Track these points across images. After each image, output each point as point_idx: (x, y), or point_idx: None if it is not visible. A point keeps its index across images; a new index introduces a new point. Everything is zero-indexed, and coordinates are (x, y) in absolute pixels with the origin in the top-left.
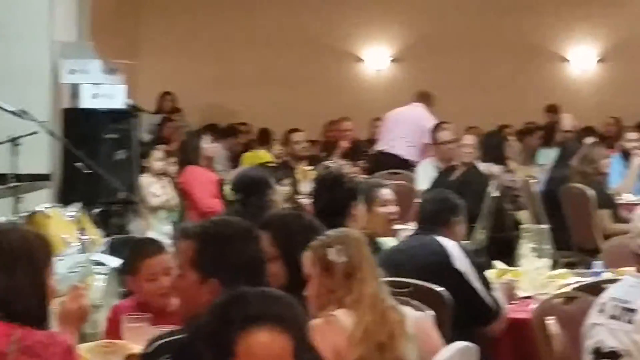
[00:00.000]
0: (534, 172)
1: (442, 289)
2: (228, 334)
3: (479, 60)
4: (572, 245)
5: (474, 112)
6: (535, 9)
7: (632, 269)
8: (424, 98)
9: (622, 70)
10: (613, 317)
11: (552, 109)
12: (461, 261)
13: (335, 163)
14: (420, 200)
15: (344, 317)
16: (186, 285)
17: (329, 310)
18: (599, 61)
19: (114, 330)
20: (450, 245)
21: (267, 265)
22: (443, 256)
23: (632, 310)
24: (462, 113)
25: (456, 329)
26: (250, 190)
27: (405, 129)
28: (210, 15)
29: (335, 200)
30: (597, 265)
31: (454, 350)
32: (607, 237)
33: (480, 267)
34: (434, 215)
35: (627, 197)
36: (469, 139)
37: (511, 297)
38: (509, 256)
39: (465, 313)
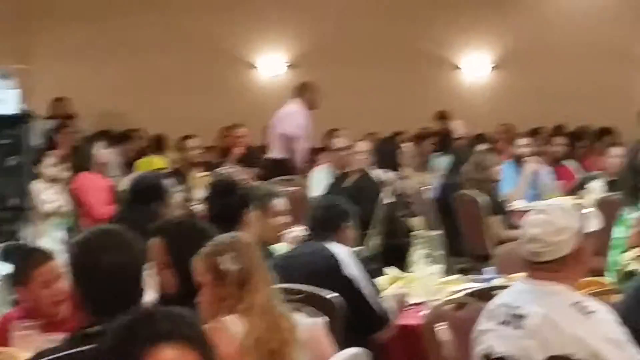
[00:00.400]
0: (428, 179)
1: (334, 295)
2: (134, 352)
3: (374, 66)
4: (465, 251)
5: (369, 118)
6: (429, 16)
7: (523, 275)
8: (298, 91)
9: (515, 77)
10: (503, 322)
11: (443, 116)
12: (351, 268)
13: (230, 169)
14: (311, 207)
15: (234, 323)
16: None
17: (221, 317)
18: (492, 68)
19: (1, 340)
20: (341, 252)
21: (141, 274)
22: (333, 263)
23: (521, 316)
24: (358, 119)
25: (348, 335)
26: (145, 196)
27: (279, 130)
28: (104, 21)
29: (228, 206)
30: (489, 271)
31: (345, 356)
32: (499, 243)
33: (371, 274)
34: (325, 221)
35: (518, 204)
36: (363, 146)
37: (403, 306)
38: (402, 262)
39: (355, 320)
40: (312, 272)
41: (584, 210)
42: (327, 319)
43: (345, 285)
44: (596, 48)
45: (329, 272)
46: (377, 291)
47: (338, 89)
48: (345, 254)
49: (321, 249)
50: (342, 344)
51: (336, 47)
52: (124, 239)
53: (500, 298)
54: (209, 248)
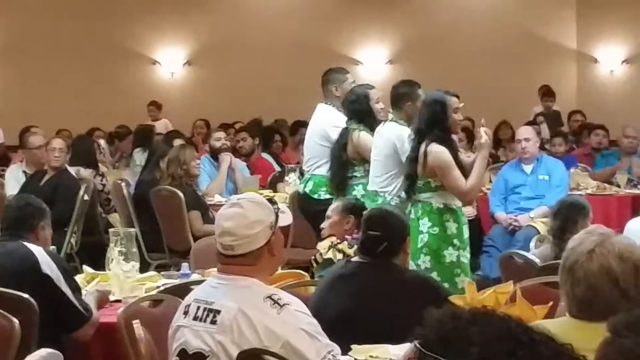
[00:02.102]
0: (126, 175)
1: (27, 295)
2: None
3: (71, 63)
4: (164, 247)
5: (65, 115)
6: (126, 12)
7: (216, 269)
8: None
9: (209, 72)
10: (197, 318)
11: (157, 106)
12: (49, 266)
13: None
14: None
15: None
16: None
17: None
18: (185, 63)
19: None
20: (38, 251)
21: None
22: (31, 262)
23: (215, 311)
24: (53, 117)
25: (43, 335)
26: None
27: None
28: None
29: None
30: (185, 267)
31: (37, 357)
32: (197, 238)
33: (70, 272)
34: (18, 221)
35: (217, 198)
36: (58, 143)
37: (103, 303)
38: (100, 260)
39: (54, 319)
40: (9, 272)
41: (278, 204)
42: (20, 319)
43: (45, 283)
44: (289, 43)
45: (28, 272)
46: (79, 288)
47: (34, 87)
48: (42, 253)
49: (17, 248)
50: (37, 345)
51: (31, 44)
52: None
53: (194, 293)
54: None
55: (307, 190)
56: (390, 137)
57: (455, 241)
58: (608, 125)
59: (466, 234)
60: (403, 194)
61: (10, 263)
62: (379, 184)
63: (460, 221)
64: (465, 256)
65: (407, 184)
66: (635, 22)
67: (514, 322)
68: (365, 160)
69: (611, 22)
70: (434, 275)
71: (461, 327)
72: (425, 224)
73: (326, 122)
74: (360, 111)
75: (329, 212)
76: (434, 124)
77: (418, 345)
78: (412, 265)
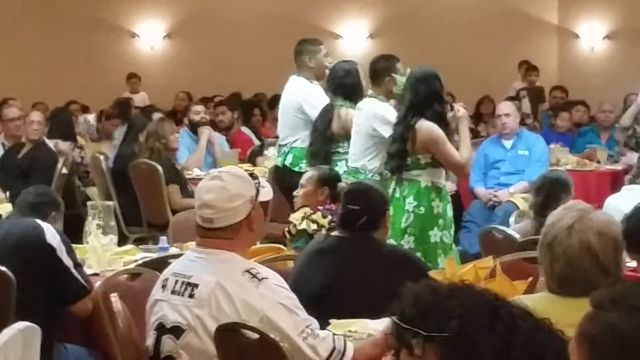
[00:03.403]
0: (104, 149)
1: (4, 269)
2: None
3: (48, 36)
4: (142, 221)
5: (42, 89)
6: None
7: (195, 243)
8: None
9: (188, 46)
10: (174, 292)
11: (133, 79)
12: (54, 237)
13: None
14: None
15: None
16: None
17: None
18: (165, 37)
19: None
20: (45, 225)
21: None
22: (37, 231)
23: (193, 285)
24: (30, 90)
25: (33, 307)
26: None
27: None
28: None
29: None
30: (163, 240)
31: (14, 330)
32: (176, 212)
33: (72, 248)
34: (33, 207)
35: (196, 172)
36: (37, 116)
37: None
38: (79, 233)
39: (49, 291)
40: (14, 238)
41: (259, 179)
42: None
43: (47, 252)
44: (269, 17)
45: (32, 239)
46: (80, 264)
47: (9, 60)
48: (49, 226)
49: (25, 220)
50: (16, 318)
51: (3, 16)
52: None
53: (172, 267)
54: None
55: (287, 163)
56: (371, 116)
57: (440, 221)
58: (589, 101)
59: (450, 212)
60: (385, 172)
61: (17, 230)
62: (359, 162)
63: (445, 200)
64: (447, 236)
65: (396, 161)
66: None
67: (493, 296)
68: (349, 137)
69: None
70: (418, 255)
71: (439, 300)
72: (411, 203)
73: (300, 95)
74: (351, 86)
75: (302, 181)
76: (433, 100)
77: (395, 320)
78: None
